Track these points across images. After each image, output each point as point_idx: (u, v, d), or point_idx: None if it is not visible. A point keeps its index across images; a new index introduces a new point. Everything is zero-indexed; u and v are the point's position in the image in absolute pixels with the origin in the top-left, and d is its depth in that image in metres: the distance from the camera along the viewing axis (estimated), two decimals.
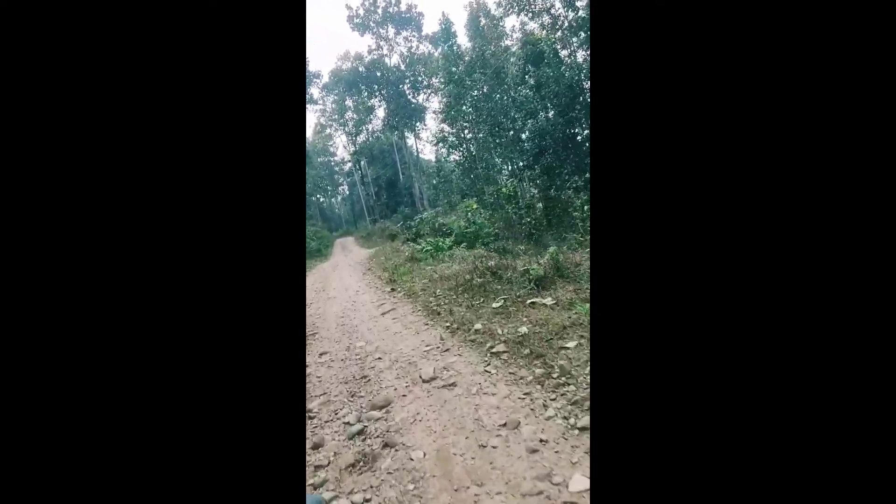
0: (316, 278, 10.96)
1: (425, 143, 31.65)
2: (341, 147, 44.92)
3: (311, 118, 43.13)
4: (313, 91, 36.90)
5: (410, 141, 33.24)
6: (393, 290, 6.53)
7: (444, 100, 20.32)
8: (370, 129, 36.90)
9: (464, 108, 20.57)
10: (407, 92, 30.78)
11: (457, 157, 28.90)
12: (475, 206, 12.31)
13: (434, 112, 29.50)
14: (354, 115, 35.96)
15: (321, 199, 49.33)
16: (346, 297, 7.06)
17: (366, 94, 32.41)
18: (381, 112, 34.42)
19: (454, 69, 18.58)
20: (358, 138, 37.63)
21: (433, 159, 36.34)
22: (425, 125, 32.10)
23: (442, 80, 20.86)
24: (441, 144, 27.21)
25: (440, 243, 9.20)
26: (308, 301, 7.57)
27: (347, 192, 49.55)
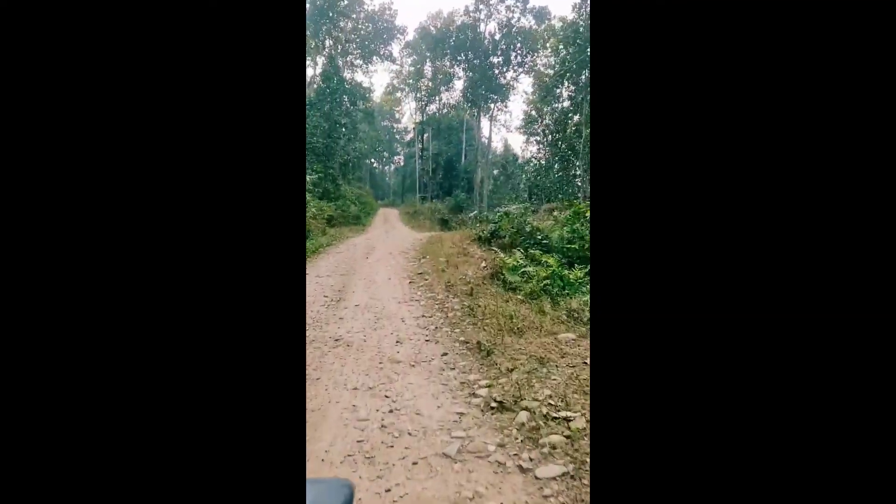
0: (337, 264, 6.99)
1: (501, 126, 27.22)
2: (408, 114, 41.23)
3: (385, 77, 39.66)
4: (393, 48, 33.23)
5: (483, 123, 28.94)
6: (501, 406, 2.32)
7: (555, 66, 15.92)
8: (442, 101, 32.86)
9: (569, 83, 16.15)
10: (496, 65, 26.35)
11: (535, 150, 24.45)
12: (587, 214, 8.10)
13: (524, 92, 24.94)
14: (430, 84, 31.94)
15: (374, 164, 45.61)
16: (376, 352, 3.05)
17: (449, 58, 28.16)
18: (459, 84, 30.27)
19: (580, 28, 14.11)
20: (428, 107, 33.68)
21: (500, 148, 31.85)
22: (506, 107, 27.64)
23: (552, 45, 16.54)
24: (527, 128, 22.90)
25: (566, 274, 4.93)
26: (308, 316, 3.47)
27: (402, 163, 45.86)
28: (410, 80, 33.30)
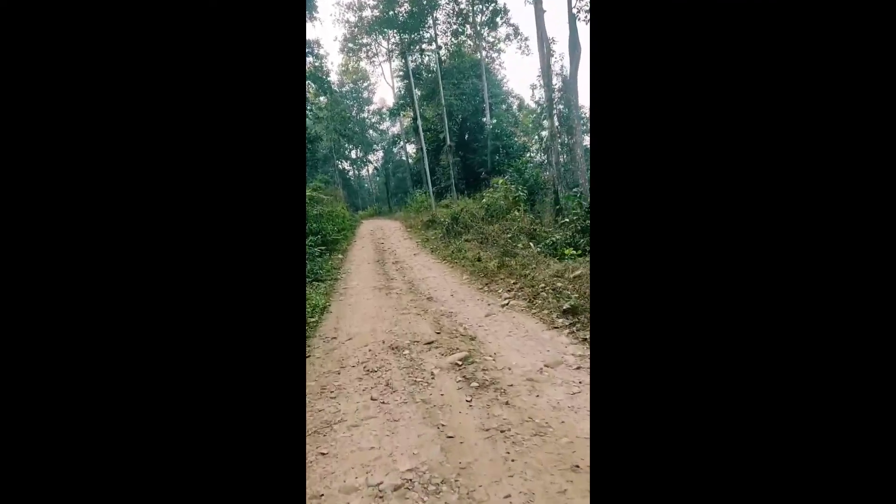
0: None
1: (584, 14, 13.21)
2: (381, 88, 26.83)
3: (337, 30, 25.02)
4: None
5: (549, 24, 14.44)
6: None
7: None
8: (439, 28, 18.52)
9: None
10: None
11: None
12: None
13: None
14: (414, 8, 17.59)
15: (346, 169, 30.53)
16: None
17: None
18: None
19: None
20: (413, 55, 19.23)
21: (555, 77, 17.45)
22: None
23: None
24: None
25: None
26: None
27: (381, 161, 31.14)
28: (378, 24, 18.68)
